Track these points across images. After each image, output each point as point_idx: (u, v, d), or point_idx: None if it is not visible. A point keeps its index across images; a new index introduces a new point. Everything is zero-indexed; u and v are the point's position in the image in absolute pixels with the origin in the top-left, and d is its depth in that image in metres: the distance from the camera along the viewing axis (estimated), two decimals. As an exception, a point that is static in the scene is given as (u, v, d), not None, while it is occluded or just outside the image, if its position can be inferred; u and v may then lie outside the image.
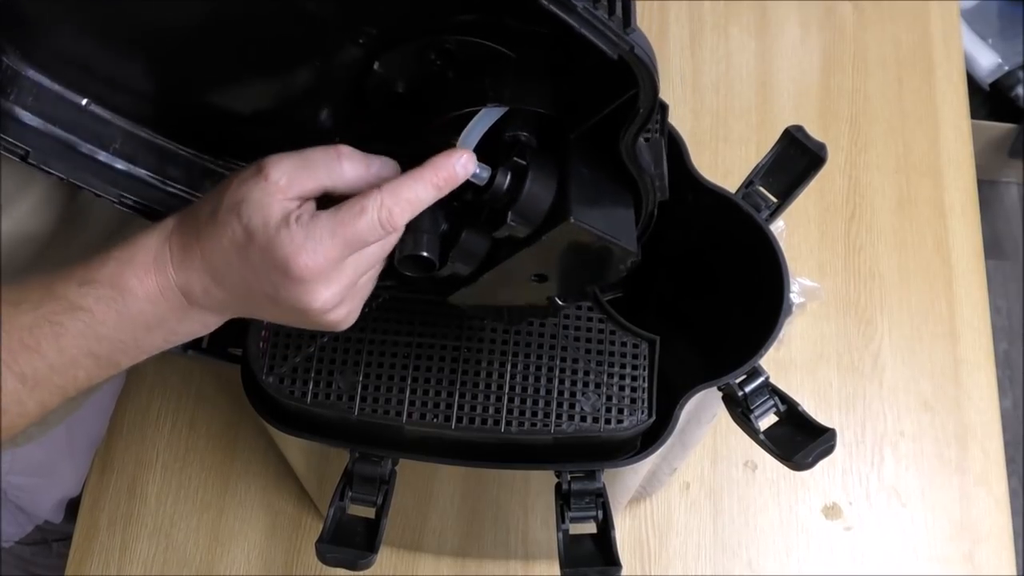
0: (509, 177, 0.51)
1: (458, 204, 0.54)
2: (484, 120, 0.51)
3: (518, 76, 0.52)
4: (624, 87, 0.49)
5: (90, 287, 0.49)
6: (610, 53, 0.45)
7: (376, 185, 0.49)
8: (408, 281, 0.58)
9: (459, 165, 0.49)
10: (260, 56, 0.49)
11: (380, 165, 0.50)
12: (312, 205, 0.49)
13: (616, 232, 0.53)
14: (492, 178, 0.51)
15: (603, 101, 0.51)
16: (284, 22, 0.51)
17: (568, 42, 0.44)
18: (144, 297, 0.49)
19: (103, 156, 0.55)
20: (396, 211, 0.48)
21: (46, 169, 0.53)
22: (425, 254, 0.53)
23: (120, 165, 0.56)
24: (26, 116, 0.52)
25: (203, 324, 0.52)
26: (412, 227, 0.53)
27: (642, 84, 0.48)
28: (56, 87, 0.53)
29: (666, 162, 0.57)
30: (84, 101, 0.54)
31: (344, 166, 0.49)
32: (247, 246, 0.48)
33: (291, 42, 0.51)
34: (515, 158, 0.51)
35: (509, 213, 0.51)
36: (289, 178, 0.48)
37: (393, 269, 0.54)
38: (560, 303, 0.59)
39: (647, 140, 0.54)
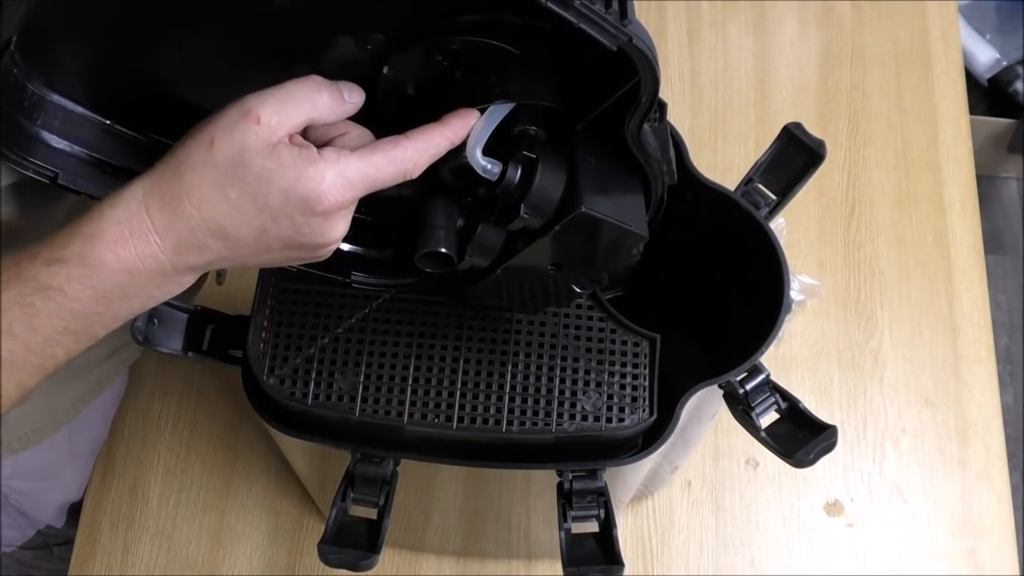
0: (520, 171, 0.53)
1: (472, 199, 0.55)
2: (493, 117, 0.52)
3: (523, 72, 0.52)
4: (625, 77, 0.49)
5: (59, 266, 0.47)
6: (609, 45, 0.46)
7: (349, 113, 0.51)
8: (428, 277, 0.58)
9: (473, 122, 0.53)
10: (277, 70, 0.50)
11: (349, 92, 0.51)
12: (301, 140, 0.50)
13: (626, 218, 0.54)
14: (503, 173, 0.53)
15: (606, 91, 0.52)
16: (296, 34, 0.52)
17: (569, 35, 0.45)
18: (122, 270, 0.48)
19: (129, 174, 0.56)
20: (420, 163, 0.51)
21: (75, 189, 0.54)
22: (443, 250, 0.54)
23: None
24: (53, 139, 0.53)
25: (181, 284, 0.51)
26: (429, 224, 0.54)
27: (642, 73, 0.49)
28: (80, 110, 0.54)
29: (672, 147, 0.58)
30: (108, 121, 0.55)
31: (324, 96, 0.50)
32: (263, 192, 0.47)
33: (304, 53, 0.52)
34: (524, 152, 0.53)
35: (522, 206, 0.53)
36: (279, 116, 0.48)
37: (413, 266, 0.55)
38: (577, 290, 0.59)
39: (652, 127, 0.54)
